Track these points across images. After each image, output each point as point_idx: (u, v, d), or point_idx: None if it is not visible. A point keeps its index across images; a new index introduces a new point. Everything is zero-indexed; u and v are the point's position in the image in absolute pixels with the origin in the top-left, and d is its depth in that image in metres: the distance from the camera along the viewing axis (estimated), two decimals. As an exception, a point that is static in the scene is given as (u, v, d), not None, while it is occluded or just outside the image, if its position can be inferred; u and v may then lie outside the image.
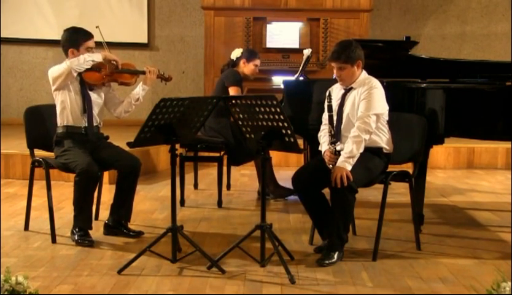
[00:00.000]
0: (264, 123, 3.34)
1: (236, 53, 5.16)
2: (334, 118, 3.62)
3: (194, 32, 8.67)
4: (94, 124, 4.02)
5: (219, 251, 3.51)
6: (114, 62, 4.00)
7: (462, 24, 8.68)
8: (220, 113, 4.77)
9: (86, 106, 3.95)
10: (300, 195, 3.71)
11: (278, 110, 3.23)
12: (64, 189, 5.30)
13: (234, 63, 5.15)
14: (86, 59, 3.88)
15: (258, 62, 5.17)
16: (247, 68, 5.11)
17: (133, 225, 4.14)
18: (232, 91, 4.93)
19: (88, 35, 3.99)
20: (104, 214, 4.21)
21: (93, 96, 4.00)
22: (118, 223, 4.00)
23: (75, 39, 3.97)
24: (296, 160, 6.43)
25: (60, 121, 3.97)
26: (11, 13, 8.45)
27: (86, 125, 3.96)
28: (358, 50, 3.63)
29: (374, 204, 4.70)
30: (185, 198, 4.99)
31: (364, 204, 4.79)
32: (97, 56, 3.94)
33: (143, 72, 4.11)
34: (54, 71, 3.92)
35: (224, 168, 5.21)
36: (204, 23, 7.66)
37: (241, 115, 3.44)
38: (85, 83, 3.97)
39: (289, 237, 3.99)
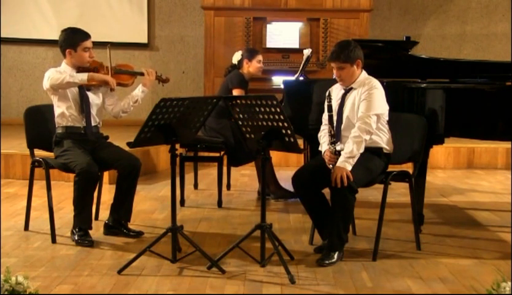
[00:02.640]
0: (264, 123, 3.34)
1: (237, 57, 5.15)
2: (334, 118, 3.62)
3: (194, 32, 8.67)
4: (93, 124, 4.02)
5: (219, 251, 3.51)
6: (105, 82, 3.94)
7: (462, 24, 8.68)
8: (220, 113, 4.78)
9: (84, 106, 3.94)
10: (300, 195, 3.71)
11: (278, 110, 3.23)
12: (64, 189, 5.30)
13: (237, 66, 5.15)
14: (67, 80, 3.82)
15: (260, 57, 5.17)
16: (251, 67, 5.11)
17: (133, 225, 4.14)
18: (236, 93, 4.93)
19: (86, 36, 3.99)
20: (104, 214, 4.21)
21: (91, 96, 4.00)
22: (118, 223, 4.00)
23: (73, 39, 3.96)
24: (296, 160, 6.43)
25: (59, 121, 3.97)
26: (11, 13, 8.45)
27: (85, 125, 3.96)
28: (357, 50, 3.64)
29: (374, 204, 4.70)
30: (185, 198, 4.99)
31: (364, 204, 4.79)
32: (82, 77, 3.86)
33: (142, 74, 4.11)
34: (44, 81, 3.91)
35: (224, 168, 5.21)
36: (204, 23, 7.66)
37: (241, 115, 3.44)
38: (83, 84, 3.97)
39: (289, 237, 3.99)
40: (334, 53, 3.64)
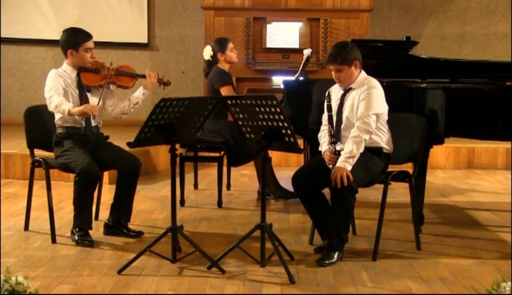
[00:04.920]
0: (264, 123, 3.34)
1: (208, 52, 5.04)
2: (334, 118, 3.62)
3: (194, 32, 8.67)
4: (94, 124, 4.02)
5: (219, 251, 3.51)
6: (84, 114, 3.86)
7: (462, 24, 8.68)
8: (217, 114, 4.74)
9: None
10: (300, 195, 3.71)
11: (278, 110, 3.23)
12: (64, 189, 5.30)
13: (213, 61, 5.06)
14: (52, 110, 3.84)
15: (231, 45, 5.08)
16: (227, 57, 5.04)
17: (133, 225, 4.14)
18: (224, 91, 4.88)
19: (87, 36, 3.99)
20: (104, 214, 4.21)
21: (91, 97, 3.99)
22: (118, 223, 4.00)
23: (74, 39, 3.96)
24: (296, 160, 6.42)
25: (59, 123, 3.97)
26: (11, 13, 8.45)
27: (84, 125, 3.95)
28: (355, 51, 3.63)
29: (374, 204, 4.70)
30: (185, 198, 4.99)
31: (364, 204, 4.79)
32: (64, 109, 3.79)
33: (144, 76, 4.10)
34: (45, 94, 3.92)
35: (224, 168, 5.21)
36: (204, 23, 7.66)
37: (241, 115, 3.44)
38: (83, 84, 3.97)
39: (289, 237, 3.99)
40: (332, 55, 3.63)
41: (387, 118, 3.68)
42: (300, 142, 3.88)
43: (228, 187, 5.55)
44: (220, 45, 5.06)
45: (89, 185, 3.77)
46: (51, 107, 3.86)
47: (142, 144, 3.44)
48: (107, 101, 4.11)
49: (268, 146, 3.44)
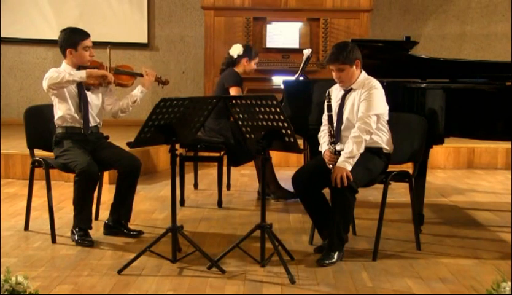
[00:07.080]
0: (264, 123, 3.34)
1: (237, 50, 5.07)
2: (334, 118, 3.62)
3: (194, 32, 8.68)
4: (94, 124, 4.02)
5: (219, 251, 3.51)
6: (103, 78, 3.94)
7: (462, 24, 8.69)
8: (219, 114, 4.76)
9: (82, 104, 3.94)
10: (300, 195, 3.71)
11: (278, 110, 3.23)
12: (64, 189, 5.31)
13: (235, 61, 5.10)
14: (66, 79, 3.82)
15: (258, 59, 5.20)
16: (249, 67, 5.09)
17: (133, 225, 4.14)
18: (233, 91, 4.91)
19: (85, 35, 3.99)
20: (104, 214, 4.21)
21: (91, 96, 4.00)
22: (118, 223, 4.00)
23: (73, 38, 3.96)
24: (296, 160, 6.43)
25: (59, 123, 3.97)
26: (11, 13, 8.46)
27: (83, 125, 3.95)
28: (355, 50, 3.64)
29: (374, 204, 4.70)
30: (185, 198, 4.99)
31: (364, 204, 4.79)
32: (81, 75, 3.86)
33: (142, 75, 4.11)
34: (43, 82, 3.92)
35: (225, 168, 5.21)
36: (204, 23, 7.67)
37: (241, 115, 3.45)
38: (82, 83, 3.97)
39: (289, 237, 3.99)
40: (333, 55, 3.63)
41: (387, 118, 3.68)
42: (300, 142, 3.87)
43: (228, 187, 5.55)
44: (251, 53, 5.13)
45: (89, 185, 3.77)
46: (54, 80, 3.80)
47: (142, 144, 3.44)
48: (105, 99, 4.11)
49: (268, 146, 3.44)
